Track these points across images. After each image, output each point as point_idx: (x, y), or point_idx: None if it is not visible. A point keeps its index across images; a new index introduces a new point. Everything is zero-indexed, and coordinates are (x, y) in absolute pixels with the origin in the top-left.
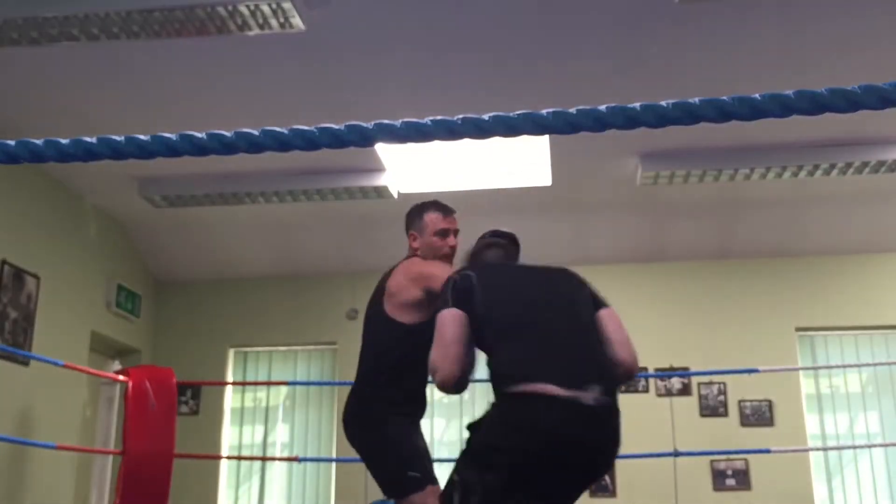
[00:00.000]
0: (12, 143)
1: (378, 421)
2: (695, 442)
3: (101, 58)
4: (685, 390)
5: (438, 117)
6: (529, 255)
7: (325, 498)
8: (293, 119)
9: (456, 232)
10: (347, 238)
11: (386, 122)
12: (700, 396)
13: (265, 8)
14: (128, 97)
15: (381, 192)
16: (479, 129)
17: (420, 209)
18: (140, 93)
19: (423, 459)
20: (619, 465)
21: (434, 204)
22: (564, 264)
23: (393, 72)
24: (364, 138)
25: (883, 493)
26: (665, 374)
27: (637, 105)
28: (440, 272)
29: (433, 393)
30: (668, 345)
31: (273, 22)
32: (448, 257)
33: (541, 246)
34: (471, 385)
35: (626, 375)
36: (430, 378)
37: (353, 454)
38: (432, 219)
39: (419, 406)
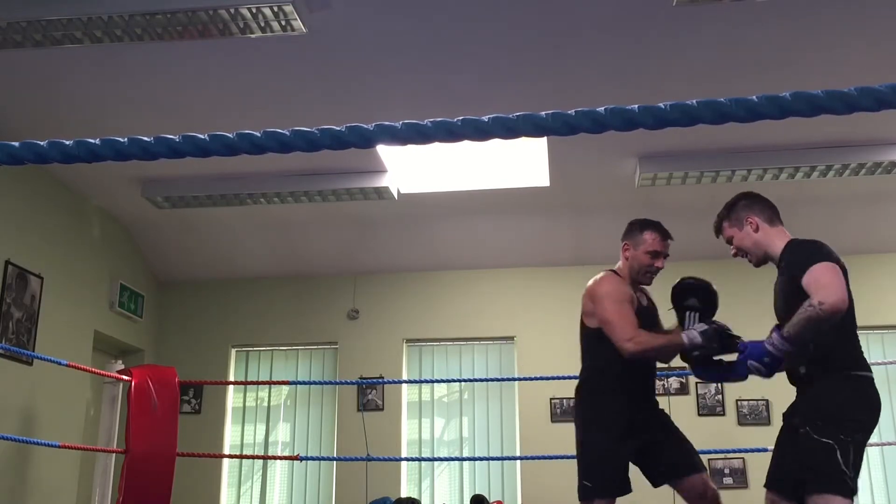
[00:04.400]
0: (16, 144)
1: None
2: (692, 441)
3: (104, 60)
4: (683, 389)
5: (438, 118)
6: (527, 256)
7: (326, 496)
8: (294, 120)
9: (666, 257)
10: (348, 238)
11: (386, 123)
12: (697, 396)
13: (267, 11)
14: (130, 99)
15: (382, 192)
16: (479, 131)
17: (642, 225)
18: (143, 95)
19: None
20: None
21: (657, 225)
22: (562, 264)
23: (393, 74)
24: (364, 139)
25: (879, 491)
26: (663, 373)
27: (635, 107)
28: (607, 295)
29: (433, 393)
30: None
31: (275, 25)
32: (650, 276)
33: (539, 246)
34: (470, 385)
35: None
36: None
37: (354, 453)
38: (651, 237)
39: None
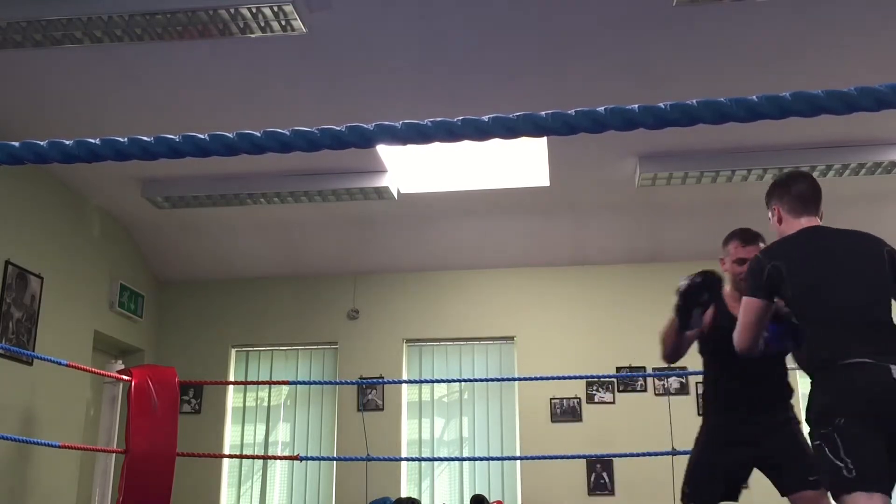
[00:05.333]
0: (17, 144)
1: None
2: (692, 441)
3: (104, 60)
4: (683, 389)
5: (438, 118)
6: (527, 256)
7: (326, 496)
8: (294, 120)
9: None
10: (348, 238)
11: (386, 123)
12: (697, 395)
13: (267, 11)
14: (131, 99)
15: (382, 192)
16: (479, 131)
17: (728, 237)
18: (143, 94)
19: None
20: (618, 464)
21: (738, 233)
22: (562, 264)
23: (393, 73)
24: (364, 139)
25: None
26: (663, 373)
27: (635, 106)
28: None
29: (433, 393)
30: None
31: (275, 25)
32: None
33: (539, 246)
34: (470, 385)
35: None
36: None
37: (354, 453)
38: (734, 247)
39: None
